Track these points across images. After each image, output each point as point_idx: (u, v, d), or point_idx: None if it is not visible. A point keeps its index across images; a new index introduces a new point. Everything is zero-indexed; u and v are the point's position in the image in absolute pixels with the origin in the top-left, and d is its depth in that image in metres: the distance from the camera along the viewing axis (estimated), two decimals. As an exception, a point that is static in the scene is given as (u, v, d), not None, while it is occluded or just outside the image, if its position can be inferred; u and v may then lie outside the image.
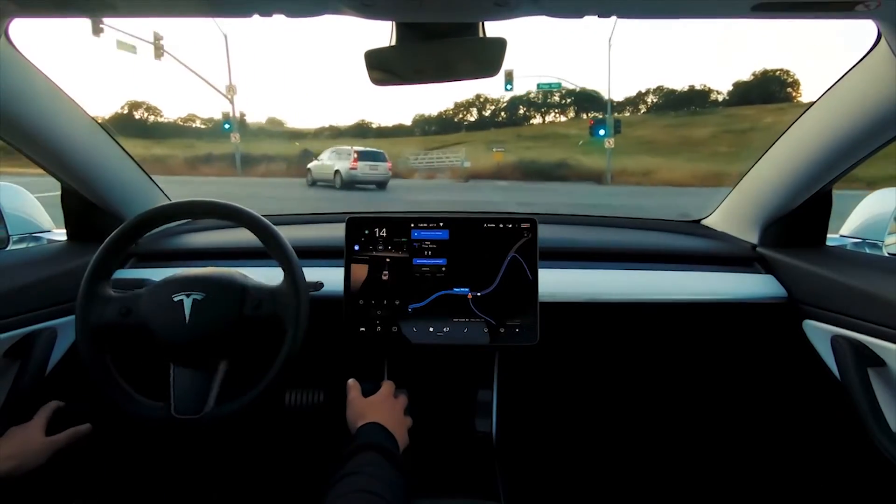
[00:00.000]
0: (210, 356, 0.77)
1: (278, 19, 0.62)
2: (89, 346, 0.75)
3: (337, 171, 13.21)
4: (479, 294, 0.92)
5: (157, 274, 0.94)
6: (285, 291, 0.78)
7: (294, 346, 0.75)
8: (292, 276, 0.77)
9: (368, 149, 13.94)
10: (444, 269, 0.93)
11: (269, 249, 0.80)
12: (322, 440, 0.97)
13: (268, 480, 1.10)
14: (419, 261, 0.93)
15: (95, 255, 0.79)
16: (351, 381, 0.81)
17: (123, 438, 0.87)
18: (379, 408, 0.76)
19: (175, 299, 0.76)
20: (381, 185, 13.54)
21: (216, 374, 0.77)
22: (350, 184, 12.89)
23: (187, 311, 0.75)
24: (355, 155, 13.13)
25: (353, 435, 0.70)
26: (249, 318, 0.77)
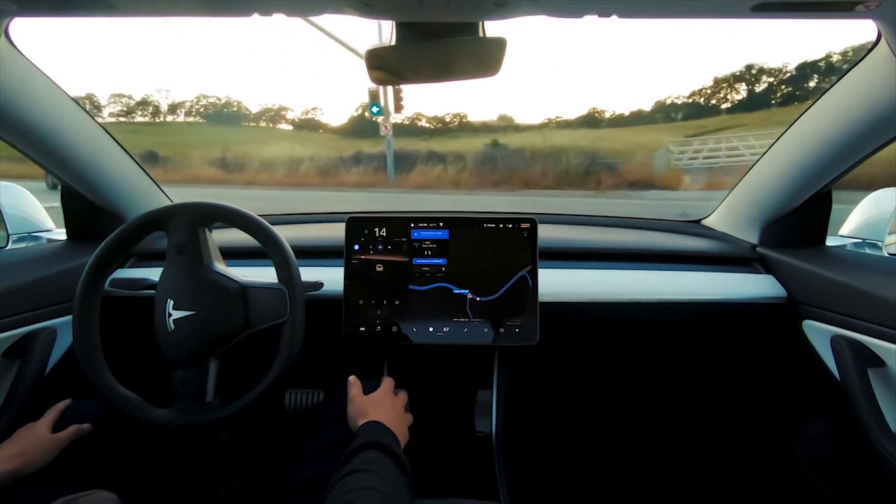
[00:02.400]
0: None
1: (278, 18, 0.62)
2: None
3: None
4: (480, 298, 0.92)
5: (157, 273, 0.95)
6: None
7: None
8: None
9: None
10: (444, 269, 0.93)
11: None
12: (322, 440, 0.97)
13: (268, 480, 1.10)
14: (419, 261, 0.93)
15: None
16: (352, 379, 0.81)
17: (127, 437, 0.87)
18: (380, 405, 0.76)
19: (166, 311, 0.76)
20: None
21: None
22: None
23: (172, 327, 0.75)
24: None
25: (355, 433, 0.70)
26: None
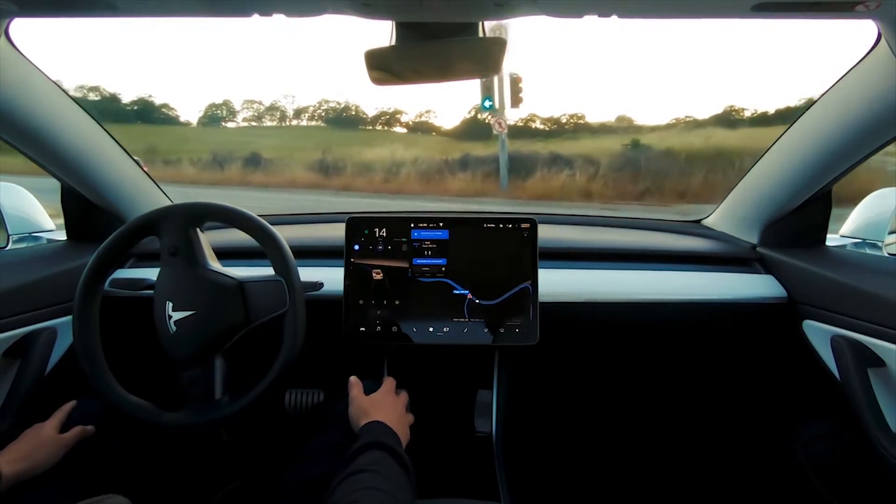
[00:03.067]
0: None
1: (278, 19, 0.62)
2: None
3: None
4: (480, 301, 0.92)
5: (157, 273, 0.95)
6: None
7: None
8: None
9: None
10: (444, 269, 0.93)
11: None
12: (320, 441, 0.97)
13: (270, 480, 1.10)
14: (419, 261, 0.93)
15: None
16: (353, 379, 0.81)
17: (129, 437, 0.87)
18: (381, 405, 0.76)
19: (166, 313, 0.76)
20: None
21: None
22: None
23: (174, 329, 0.75)
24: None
25: (357, 433, 0.70)
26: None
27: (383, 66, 0.73)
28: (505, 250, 0.93)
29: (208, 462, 1.12)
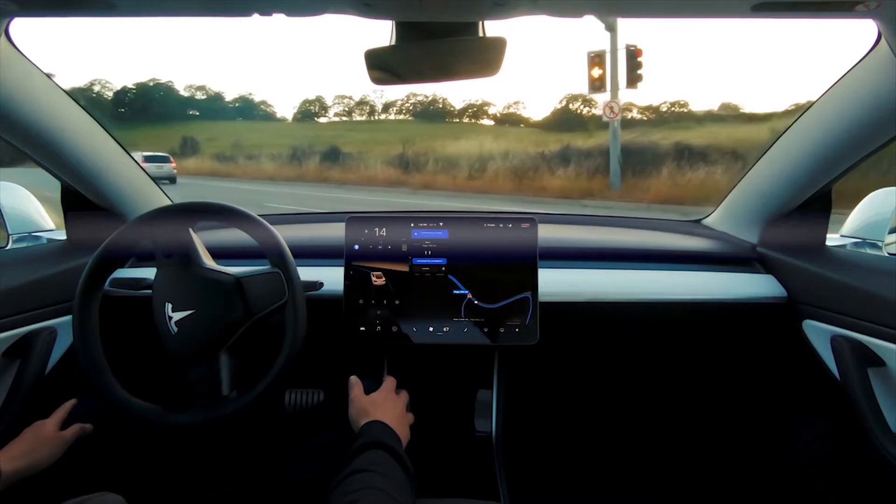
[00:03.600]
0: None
1: (278, 19, 0.62)
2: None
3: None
4: (480, 302, 0.92)
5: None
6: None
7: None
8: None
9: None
10: (444, 268, 0.93)
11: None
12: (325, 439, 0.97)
13: (269, 480, 1.10)
14: (419, 260, 0.93)
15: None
16: (353, 379, 0.81)
17: (128, 436, 0.87)
18: (382, 405, 0.76)
19: (166, 314, 0.76)
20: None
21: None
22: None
23: (175, 329, 0.75)
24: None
25: (357, 433, 0.70)
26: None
27: (383, 66, 0.73)
28: (505, 250, 0.93)
29: (208, 461, 1.12)
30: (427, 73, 0.76)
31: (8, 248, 1.08)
